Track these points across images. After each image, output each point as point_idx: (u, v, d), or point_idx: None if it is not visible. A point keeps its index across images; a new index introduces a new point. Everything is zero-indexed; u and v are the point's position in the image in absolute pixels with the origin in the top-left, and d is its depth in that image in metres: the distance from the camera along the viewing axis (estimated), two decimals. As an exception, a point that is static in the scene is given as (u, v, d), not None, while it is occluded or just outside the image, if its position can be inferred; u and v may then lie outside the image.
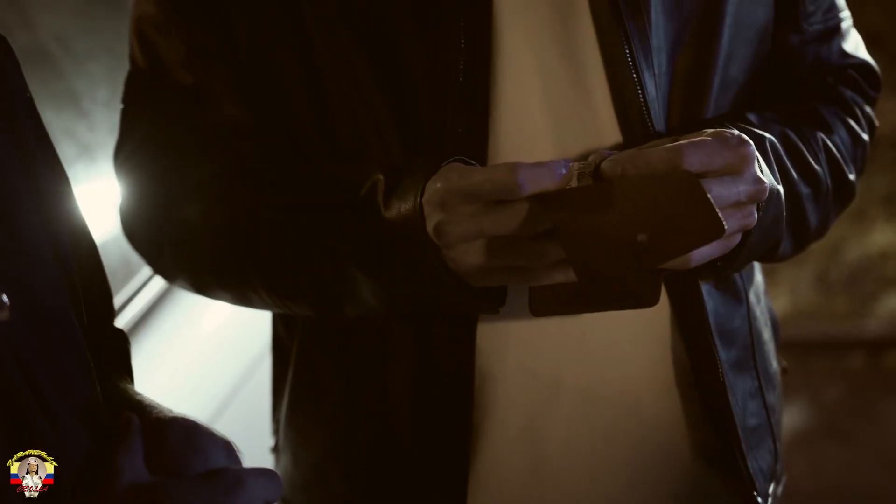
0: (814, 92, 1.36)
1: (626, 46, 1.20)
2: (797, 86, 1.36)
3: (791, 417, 3.22)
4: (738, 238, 1.16)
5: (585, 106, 1.23)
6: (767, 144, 1.23)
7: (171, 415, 0.94)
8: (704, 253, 1.12)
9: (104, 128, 1.96)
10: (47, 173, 0.97)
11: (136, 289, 1.85)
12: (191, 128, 1.28)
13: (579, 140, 1.23)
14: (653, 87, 1.21)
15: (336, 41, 1.20)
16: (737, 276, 1.31)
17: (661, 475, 1.31)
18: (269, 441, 1.44)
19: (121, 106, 1.34)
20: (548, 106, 1.22)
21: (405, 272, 1.14)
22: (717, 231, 1.06)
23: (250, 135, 1.28)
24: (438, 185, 1.10)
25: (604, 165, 1.09)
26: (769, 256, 1.28)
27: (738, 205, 1.12)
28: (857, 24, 1.43)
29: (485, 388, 1.25)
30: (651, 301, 1.15)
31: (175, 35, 1.26)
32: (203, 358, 1.92)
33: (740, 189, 1.11)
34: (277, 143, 1.28)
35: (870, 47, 1.44)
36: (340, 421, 1.32)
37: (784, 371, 1.44)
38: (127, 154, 1.32)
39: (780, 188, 1.20)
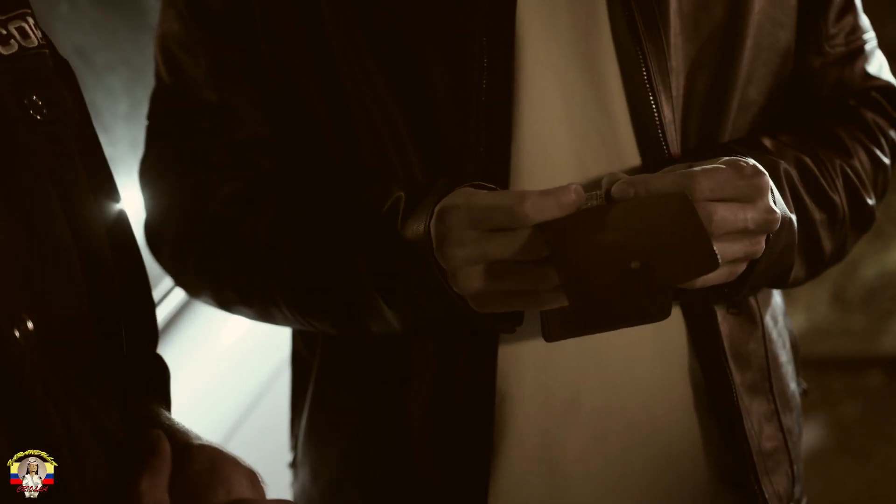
0: (835, 115, 1.35)
1: (643, 68, 1.20)
2: (818, 108, 1.35)
3: (808, 435, 3.21)
4: (743, 266, 1.16)
5: (606, 126, 1.23)
6: (782, 171, 1.23)
7: (198, 442, 0.94)
8: (707, 278, 1.12)
9: (125, 142, 1.96)
10: (91, 199, 0.97)
11: (155, 302, 1.85)
12: (215, 145, 1.29)
13: (600, 160, 1.23)
14: (669, 110, 1.21)
15: (359, 61, 1.21)
16: (751, 298, 1.31)
17: (676, 496, 1.31)
18: (286, 456, 1.44)
19: (146, 122, 1.35)
20: (569, 125, 1.22)
21: (419, 292, 1.15)
22: (710, 264, 1.06)
23: (274, 152, 1.29)
24: (445, 208, 1.10)
25: (614, 189, 1.09)
26: (780, 283, 1.27)
27: (744, 232, 1.12)
28: (878, 41, 1.42)
29: (503, 407, 1.26)
30: (661, 315, 1.14)
31: (200, 53, 1.27)
32: (220, 372, 1.92)
33: (748, 217, 1.11)
34: (300, 160, 1.28)
35: (891, 62, 1.43)
36: (359, 437, 1.32)
37: (804, 393, 1.44)
38: (152, 170, 1.33)
39: (793, 216, 1.20)
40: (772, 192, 1.14)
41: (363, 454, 1.32)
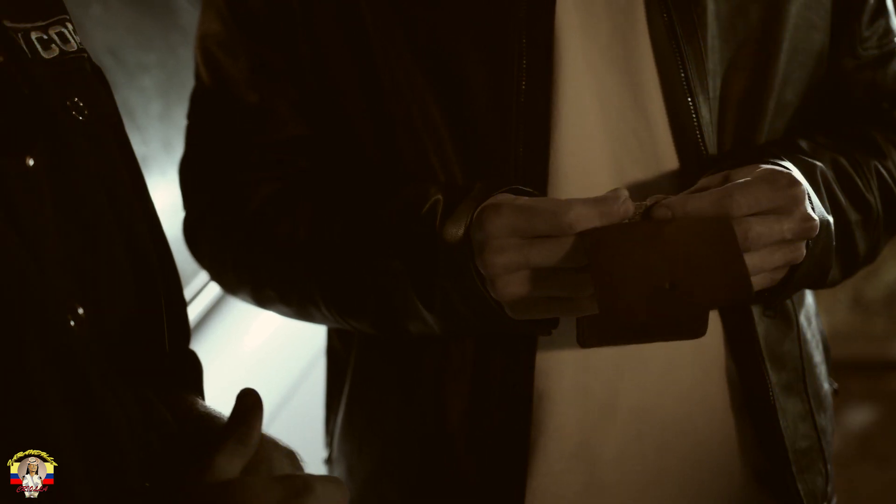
0: (868, 117, 1.36)
1: (681, 69, 1.21)
2: (851, 110, 1.36)
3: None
4: (784, 272, 1.17)
5: (643, 127, 1.24)
6: (818, 173, 1.24)
7: None
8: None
9: (157, 141, 1.98)
10: (133, 196, 1.00)
11: (188, 300, 1.87)
12: (254, 145, 1.30)
13: (637, 161, 1.24)
14: (707, 112, 1.22)
15: (398, 60, 1.22)
16: (787, 300, 1.32)
17: (712, 495, 1.32)
18: (319, 451, 1.45)
19: (185, 121, 1.36)
20: (606, 126, 1.23)
21: (457, 297, 1.16)
22: (745, 290, 1.08)
23: (313, 152, 1.30)
24: (486, 214, 1.11)
25: (654, 211, 1.10)
26: (818, 284, 1.28)
27: (783, 242, 1.13)
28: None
29: (541, 406, 1.26)
30: (697, 332, 1.15)
31: (240, 53, 1.28)
32: (252, 368, 1.94)
33: (785, 227, 1.13)
34: (339, 160, 1.29)
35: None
36: (396, 434, 1.33)
37: (835, 392, 1.45)
38: (191, 169, 1.34)
39: (831, 219, 1.21)
40: (809, 199, 1.15)
41: (401, 452, 1.33)
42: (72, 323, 0.85)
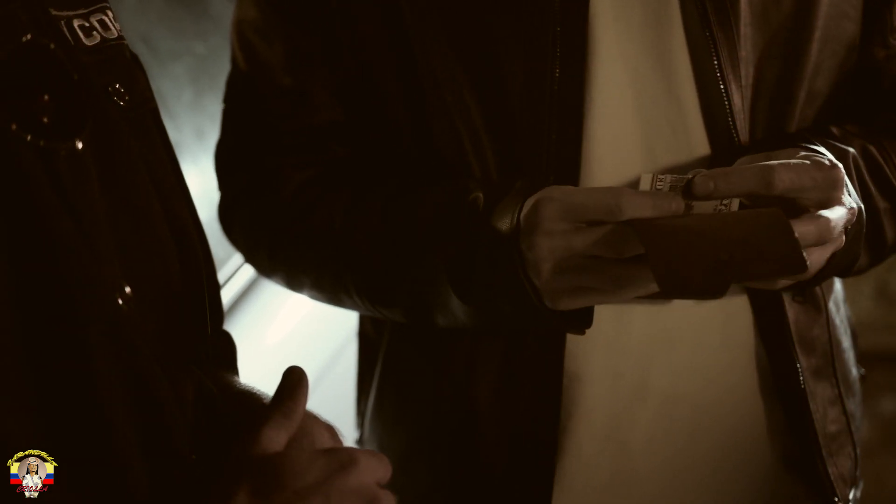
0: None
1: (714, 56, 1.21)
2: (881, 100, 1.36)
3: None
4: (824, 261, 1.17)
5: (676, 114, 1.25)
6: (850, 159, 1.25)
7: None
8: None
9: (189, 128, 2.00)
10: (174, 179, 1.01)
11: (222, 282, 1.89)
12: (289, 130, 1.31)
13: (669, 148, 1.25)
14: (739, 99, 1.23)
15: (435, 46, 1.23)
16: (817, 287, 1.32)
17: (742, 478, 1.33)
18: (350, 432, 1.47)
19: (222, 105, 1.37)
20: (639, 114, 1.24)
21: (495, 286, 1.17)
22: (800, 268, 1.09)
23: (347, 139, 1.31)
24: (541, 200, 1.12)
25: (696, 181, 1.11)
26: (847, 271, 1.29)
27: (828, 235, 1.14)
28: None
29: (572, 388, 1.28)
30: (797, 265, 1.10)
31: (275, 38, 1.29)
32: (286, 350, 1.96)
33: (833, 218, 1.14)
34: (373, 147, 1.30)
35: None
36: (427, 417, 1.34)
37: (863, 378, 1.46)
38: (227, 153, 1.36)
39: (861, 205, 1.22)
40: (846, 185, 1.16)
41: (431, 434, 1.34)
42: (119, 301, 0.87)
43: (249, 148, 1.34)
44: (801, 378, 1.29)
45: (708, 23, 1.21)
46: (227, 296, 1.89)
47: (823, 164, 1.14)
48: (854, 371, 1.41)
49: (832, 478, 1.32)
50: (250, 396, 1.01)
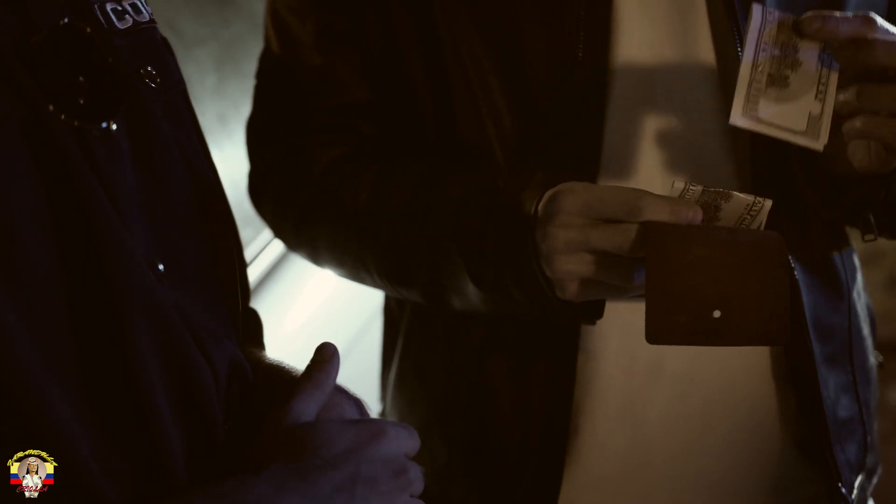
0: None
1: (737, 43, 1.23)
2: None
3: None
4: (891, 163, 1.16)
5: (697, 100, 1.26)
6: None
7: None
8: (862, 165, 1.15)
9: (212, 114, 2.02)
10: (205, 160, 1.04)
11: (252, 257, 1.93)
12: (318, 108, 1.34)
13: (689, 132, 1.26)
14: None
15: (461, 29, 1.26)
16: (841, 271, 1.34)
17: (753, 460, 1.35)
18: (375, 406, 1.50)
19: (254, 81, 1.40)
20: (662, 99, 1.26)
21: (510, 275, 1.19)
22: (781, 338, 1.11)
23: (375, 118, 1.34)
24: (561, 191, 1.14)
25: (804, 21, 1.13)
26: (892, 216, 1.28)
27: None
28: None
29: (587, 367, 1.30)
30: (779, 336, 1.13)
31: (307, 17, 1.32)
32: (314, 324, 1.99)
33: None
34: (399, 128, 1.33)
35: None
36: (444, 393, 1.37)
37: (880, 365, 1.47)
38: (258, 130, 1.40)
39: None
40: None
41: (448, 410, 1.37)
42: (153, 277, 0.89)
43: (280, 125, 1.37)
44: (814, 364, 1.31)
45: (732, 9, 1.23)
46: (255, 272, 1.93)
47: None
48: (871, 359, 1.43)
49: (838, 463, 1.34)
50: (279, 370, 1.04)
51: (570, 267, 1.14)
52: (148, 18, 1.02)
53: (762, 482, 1.36)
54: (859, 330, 1.38)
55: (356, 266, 1.33)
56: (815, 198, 1.24)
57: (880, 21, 1.14)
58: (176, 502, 0.85)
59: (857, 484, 1.39)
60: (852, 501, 1.36)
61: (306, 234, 1.36)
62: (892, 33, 1.14)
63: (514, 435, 1.33)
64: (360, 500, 0.88)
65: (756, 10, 1.14)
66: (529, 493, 1.32)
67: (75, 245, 0.84)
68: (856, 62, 1.13)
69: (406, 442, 0.94)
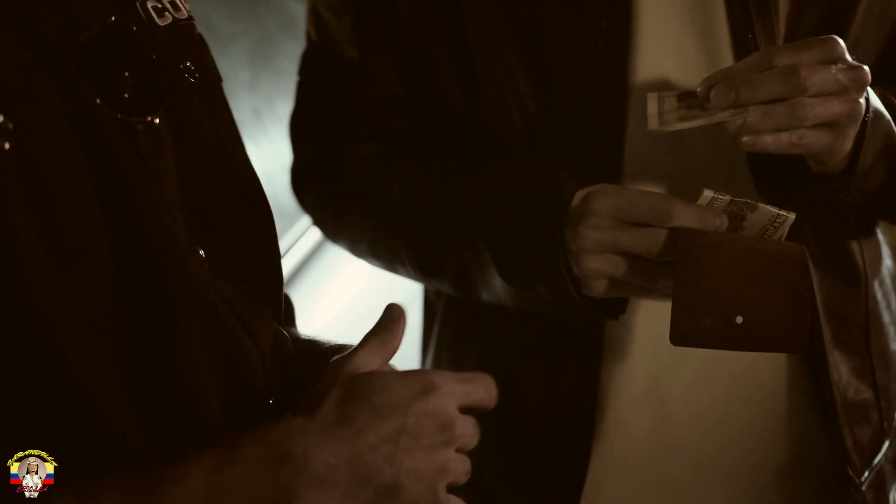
0: None
1: (750, 34, 1.25)
2: None
3: None
4: (847, 139, 1.18)
5: None
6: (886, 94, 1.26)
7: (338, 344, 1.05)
8: (812, 148, 1.16)
9: (246, 109, 2.06)
10: (242, 151, 1.08)
11: (292, 242, 1.97)
12: (355, 101, 1.39)
13: (710, 126, 1.28)
14: None
15: (486, 21, 1.29)
16: (858, 258, 1.36)
17: (774, 442, 1.38)
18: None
19: (296, 77, 1.45)
20: (680, 84, 1.28)
21: (537, 272, 1.22)
22: (800, 346, 1.14)
23: (407, 111, 1.38)
24: (594, 192, 1.17)
25: (716, 89, 1.14)
26: (888, 208, 1.31)
27: (844, 90, 1.15)
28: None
29: (612, 349, 1.34)
30: (798, 345, 1.16)
31: (344, 13, 1.37)
32: (353, 308, 2.03)
33: (839, 76, 1.15)
34: (432, 120, 1.37)
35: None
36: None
37: None
38: (299, 123, 1.44)
39: (890, 121, 1.22)
40: (846, 52, 1.17)
41: None
42: (196, 262, 0.93)
43: (320, 119, 1.42)
44: (824, 348, 1.33)
45: (748, 12, 1.25)
46: (288, 264, 1.96)
47: (814, 39, 1.16)
48: (895, 346, 1.44)
49: (846, 446, 1.35)
50: (314, 343, 1.06)
51: (598, 265, 1.17)
52: (186, 15, 1.05)
53: (782, 464, 1.39)
54: (879, 317, 1.40)
55: (391, 258, 1.37)
56: (774, 197, 1.25)
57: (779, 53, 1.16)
58: (223, 447, 0.87)
59: (873, 467, 1.40)
60: (861, 484, 1.37)
61: (344, 226, 1.41)
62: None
63: (542, 417, 1.36)
64: (403, 453, 0.90)
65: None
66: (557, 474, 1.36)
67: (123, 231, 0.87)
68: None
69: (458, 395, 0.95)
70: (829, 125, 1.17)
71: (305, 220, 2.12)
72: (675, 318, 1.13)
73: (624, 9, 1.26)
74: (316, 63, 1.42)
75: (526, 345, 1.36)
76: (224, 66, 2.10)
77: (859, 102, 1.17)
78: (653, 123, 1.17)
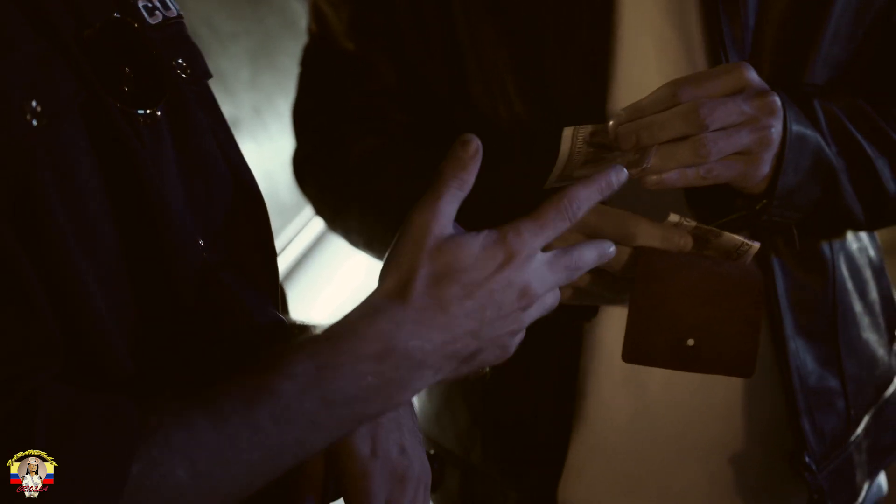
0: None
1: (719, 23, 1.27)
2: None
3: None
4: (762, 164, 1.19)
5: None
6: (817, 105, 1.27)
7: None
8: (721, 172, 1.17)
9: (247, 105, 2.09)
10: (236, 143, 1.12)
11: (290, 237, 2.00)
12: (352, 94, 1.44)
13: None
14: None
15: (475, 17, 1.33)
16: (826, 249, 1.39)
17: (750, 425, 1.41)
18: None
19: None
20: (662, 78, 1.29)
21: None
22: (747, 369, 1.17)
23: (404, 104, 1.43)
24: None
25: (619, 132, 1.15)
26: (839, 219, 1.32)
27: (750, 119, 1.16)
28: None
29: (591, 332, 1.38)
30: (746, 370, 1.19)
31: (342, 7, 1.42)
32: (353, 300, 2.07)
33: (744, 106, 1.15)
34: (426, 114, 1.42)
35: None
36: None
37: None
38: (300, 113, 1.49)
39: (812, 134, 1.23)
40: (755, 74, 1.18)
41: (468, 378, 1.44)
42: (198, 251, 0.97)
43: (320, 111, 1.46)
44: (784, 334, 1.36)
45: (717, 16, 1.27)
46: (287, 259, 1.99)
47: (721, 66, 1.17)
48: (869, 336, 1.46)
49: (804, 431, 1.38)
50: (308, 328, 1.10)
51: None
52: (176, 14, 1.09)
53: (757, 447, 1.42)
54: (848, 306, 1.42)
55: (384, 251, 1.41)
56: (703, 214, 1.28)
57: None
58: (326, 342, 0.93)
59: (838, 455, 1.42)
60: (820, 471, 1.39)
61: (342, 218, 1.46)
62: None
63: (526, 402, 1.41)
64: (487, 325, 0.97)
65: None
66: (540, 455, 1.41)
67: (128, 211, 0.92)
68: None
69: (537, 249, 0.99)
70: (740, 153, 1.17)
71: (305, 214, 2.16)
72: (628, 337, 1.18)
73: (606, 4, 1.29)
74: (315, 55, 1.47)
75: None
76: (226, 64, 2.15)
77: (770, 129, 1.18)
78: (561, 163, 1.19)
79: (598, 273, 1.20)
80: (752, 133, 1.17)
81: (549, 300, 1.03)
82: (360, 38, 1.41)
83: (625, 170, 1.06)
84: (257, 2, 2.25)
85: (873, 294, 1.48)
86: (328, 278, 2.08)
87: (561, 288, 1.21)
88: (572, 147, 1.16)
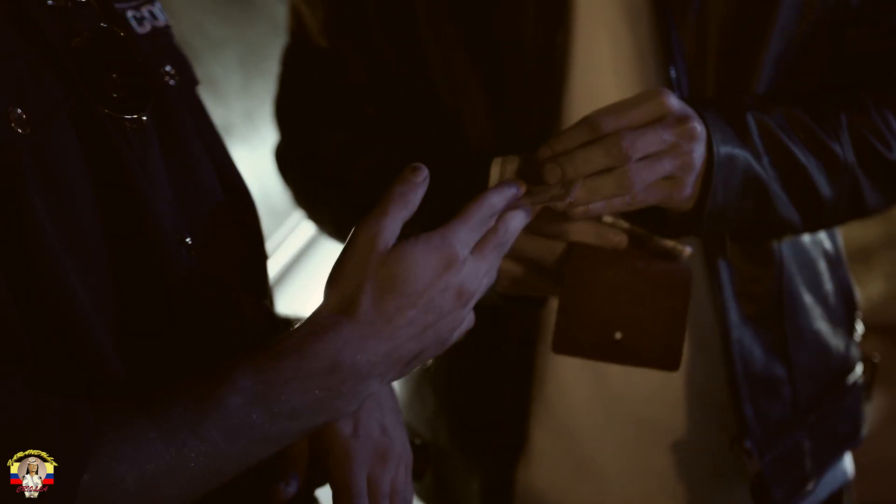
0: (873, 82, 1.39)
1: (667, 22, 1.31)
2: (859, 77, 1.40)
3: (889, 401, 3.21)
4: (686, 187, 1.21)
5: (645, 74, 1.35)
6: (749, 117, 1.28)
7: None
8: (651, 194, 1.19)
9: (239, 110, 2.13)
10: (224, 147, 1.16)
11: (281, 239, 2.03)
12: (327, 89, 1.50)
13: None
14: (684, 61, 1.31)
15: (435, 17, 1.38)
16: (773, 242, 1.42)
17: (707, 408, 1.46)
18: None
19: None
20: (614, 70, 1.35)
21: None
22: (672, 364, 1.22)
23: (377, 98, 1.48)
24: None
25: (545, 168, 1.15)
26: (774, 227, 1.34)
27: (671, 147, 1.18)
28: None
29: (549, 319, 1.41)
30: (670, 364, 1.24)
31: (317, 6, 1.48)
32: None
33: (664, 135, 1.17)
34: (397, 109, 1.47)
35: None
36: None
37: (869, 362, 1.54)
38: (280, 108, 1.55)
39: (741, 152, 1.25)
40: (674, 98, 1.20)
41: (435, 367, 1.53)
42: (182, 249, 1.01)
43: (297, 104, 1.52)
44: (727, 321, 1.39)
45: (666, 22, 1.30)
46: (280, 261, 2.02)
47: (643, 93, 1.19)
48: (819, 326, 1.49)
49: (745, 417, 1.41)
50: (292, 321, 1.15)
51: (503, 266, 1.27)
52: (164, 23, 1.13)
53: (706, 432, 1.46)
54: (797, 296, 1.45)
55: None
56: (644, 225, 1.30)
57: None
58: (267, 357, 0.95)
59: (783, 440, 1.45)
60: (758, 457, 1.42)
61: (318, 210, 1.53)
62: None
63: (486, 386, 1.47)
64: (428, 328, 0.99)
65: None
66: (499, 439, 1.46)
67: (116, 211, 0.97)
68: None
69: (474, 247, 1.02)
70: (664, 178, 1.20)
71: (296, 217, 2.19)
72: (557, 329, 1.23)
73: (560, 3, 1.32)
74: (293, 53, 1.53)
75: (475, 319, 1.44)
76: (217, 69, 2.19)
77: (692, 154, 1.19)
78: None
79: (535, 265, 1.25)
80: (674, 159, 1.18)
81: (486, 282, 1.05)
82: (333, 36, 1.47)
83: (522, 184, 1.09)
84: (247, 8, 2.28)
85: (827, 286, 1.50)
86: (319, 281, 2.10)
87: (499, 278, 1.26)
88: (501, 178, 1.17)
